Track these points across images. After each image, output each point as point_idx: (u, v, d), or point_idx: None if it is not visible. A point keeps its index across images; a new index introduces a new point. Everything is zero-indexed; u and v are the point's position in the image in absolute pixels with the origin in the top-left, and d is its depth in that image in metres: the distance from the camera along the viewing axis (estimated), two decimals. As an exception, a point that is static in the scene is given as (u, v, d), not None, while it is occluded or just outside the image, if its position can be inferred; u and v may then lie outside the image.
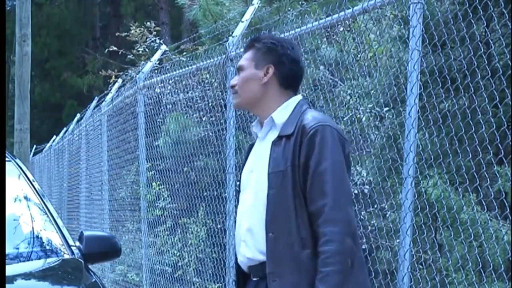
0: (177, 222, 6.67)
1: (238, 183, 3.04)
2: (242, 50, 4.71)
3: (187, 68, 6.28)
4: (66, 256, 3.49)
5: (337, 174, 2.64)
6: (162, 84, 7.09)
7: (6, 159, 4.02)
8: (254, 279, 2.84)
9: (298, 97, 2.87)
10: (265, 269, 2.74)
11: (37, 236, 3.66)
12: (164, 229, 6.94)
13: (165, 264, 6.93)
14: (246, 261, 2.84)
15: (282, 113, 2.81)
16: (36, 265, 3.43)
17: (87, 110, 11.04)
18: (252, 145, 2.99)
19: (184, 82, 6.54)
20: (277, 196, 2.70)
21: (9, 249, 3.37)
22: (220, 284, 5.75)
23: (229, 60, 5.14)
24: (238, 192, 2.98)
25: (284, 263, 2.69)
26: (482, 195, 3.42)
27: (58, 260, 3.46)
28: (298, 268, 2.66)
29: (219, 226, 5.87)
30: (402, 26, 4.07)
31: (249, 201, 2.84)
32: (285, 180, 2.69)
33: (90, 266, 3.53)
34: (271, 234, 2.71)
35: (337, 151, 2.67)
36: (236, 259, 2.94)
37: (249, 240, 2.81)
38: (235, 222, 2.99)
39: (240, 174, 2.99)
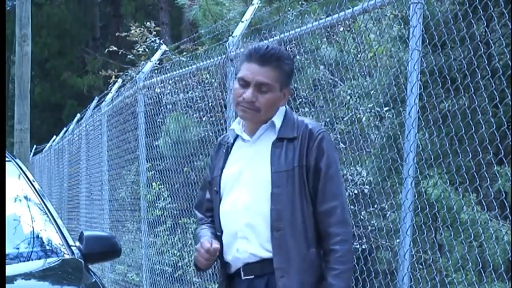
0: (177, 222, 6.67)
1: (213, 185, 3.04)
2: (242, 50, 4.73)
3: (187, 68, 6.28)
4: (66, 256, 3.49)
5: (340, 178, 2.89)
6: (162, 84, 7.09)
7: (6, 159, 4.02)
8: (247, 277, 2.85)
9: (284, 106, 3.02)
10: (265, 267, 2.81)
11: (37, 236, 3.66)
12: (164, 229, 6.94)
13: (165, 264, 6.93)
14: (246, 257, 2.84)
15: (279, 118, 2.91)
16: (36, 265, 3.42)
17: (87, 110, 11.03)
18: (223, 147, 3.00)
19: (184, 82, 6.54)
20: (282, 194, 2.80)
21: (9, 249, 3.37)
22: (220, 284, 5.73)
23: (229, 60, 5.13)
24: (216, 193, 2.96)
25: (291, 260, 2.79)
26: (482, 195, 3.42)
27: (58, 260, 3.45)
28: (305, 266, 2.79)
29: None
30: (402, 26, 4.07)
31: (244, 199, 2.86)
32: (291, 180, 2.81)
33: (90, 266, 3.52)
34: (276, 231, 2.79)
35: (337, 157, 2.93)
36: (222, 259, 2.94)
37: (252, 237, 2.83)
38: (219, 222, 2.95)
39: (216, 176, 2.97)
